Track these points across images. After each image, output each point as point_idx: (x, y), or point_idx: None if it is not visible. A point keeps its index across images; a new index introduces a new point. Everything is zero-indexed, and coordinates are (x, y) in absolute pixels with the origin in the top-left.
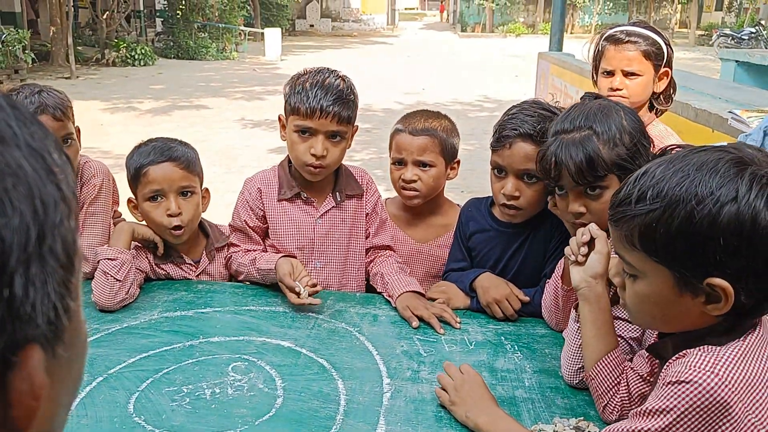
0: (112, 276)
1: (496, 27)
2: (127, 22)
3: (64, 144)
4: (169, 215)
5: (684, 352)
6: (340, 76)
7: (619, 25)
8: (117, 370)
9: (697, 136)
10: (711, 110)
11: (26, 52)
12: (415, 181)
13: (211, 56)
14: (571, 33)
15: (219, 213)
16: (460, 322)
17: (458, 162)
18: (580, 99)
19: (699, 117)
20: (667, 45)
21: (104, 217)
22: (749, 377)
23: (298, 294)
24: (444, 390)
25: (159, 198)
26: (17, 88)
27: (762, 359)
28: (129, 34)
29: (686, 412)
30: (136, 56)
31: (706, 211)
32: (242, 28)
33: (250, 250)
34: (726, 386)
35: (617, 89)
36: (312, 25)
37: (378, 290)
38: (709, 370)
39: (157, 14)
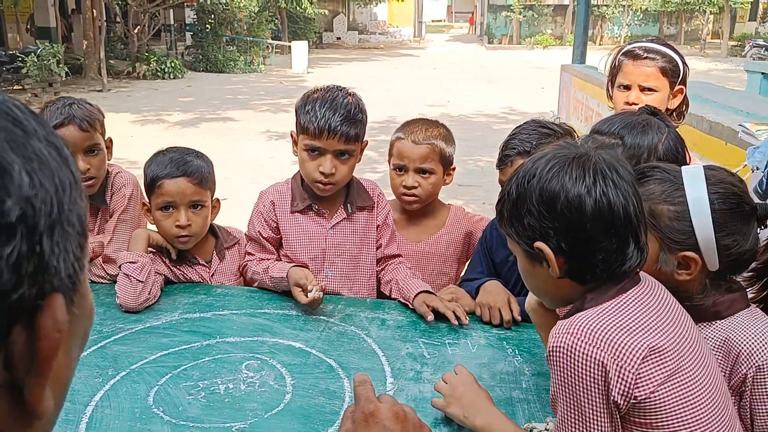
0: (134, 278)
1: (523, 39)
2: (158, 36)
3: (90, 153)
4: (178, 226)
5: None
6: (349, 94)
7: (638, 41)
8: (139, 366)
9: (710, 149)
10: (725, 123)
11: (60, 65)
12: (415, 188)
13: (238, 69)
14: (600, 44)
15: (243, 223)
16: (468, 323)
17: (453, 168)
18: (638, 109)
19: (713, 130)
20: (683, 63)
21: (133, 225)
22: (606, 328)
23: (306, 293)
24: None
25: (170, 209)
26: (53, 100)
27: (626, 312)
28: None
29: (566, 380)
30: (166, 69)
31: (519, 188)
32: (269, 41)
33: (264, 259)
34: (582, 339)
35: (633, 103)
36: (339, 38)
37: (392, 296)
38: (564, 332)
39: (187, 28)
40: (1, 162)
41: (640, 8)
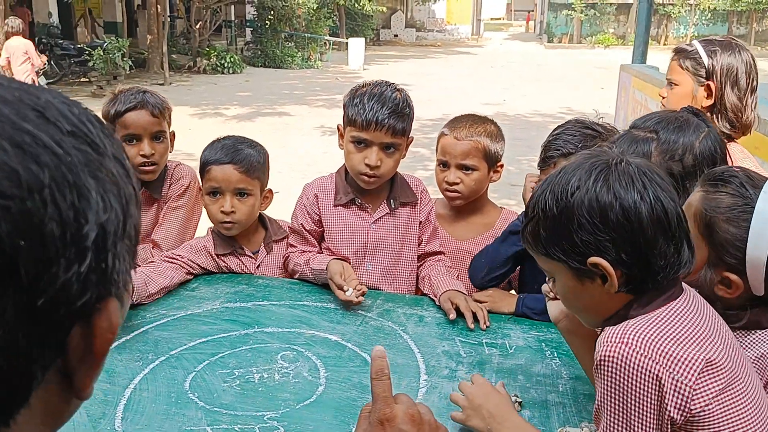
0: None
1: (584, 38)
2: (219, 32)
3: (156, 140)
4: (222, 212)
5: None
6: (397, 89)
7: (698, 39)
8: (178, 352)
9: None
10: None
11: (125, 59)
12: (457, 184)
13: (296, 65)
14: (664, 44)
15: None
16: (488, 326)
17: (501, 165)
18: (680, 109)
19: None
20: (712, 59)
21: (185, 213)
22: (661, 338)
23: (344, 291)
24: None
25: (217, 195)
26: (127, 87)
27: (679, 322)
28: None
29: (617, 391)
30: (226, 64)
31: (562, 203)
32: (327, 37)
33: (306, 251)
34: (637, 350)
35: (663, 98)
36: (396, 35)
37: (425, 292)
38: (618, 341)
39: (248, 24)
40: (80, 188)
41: (708, 7)
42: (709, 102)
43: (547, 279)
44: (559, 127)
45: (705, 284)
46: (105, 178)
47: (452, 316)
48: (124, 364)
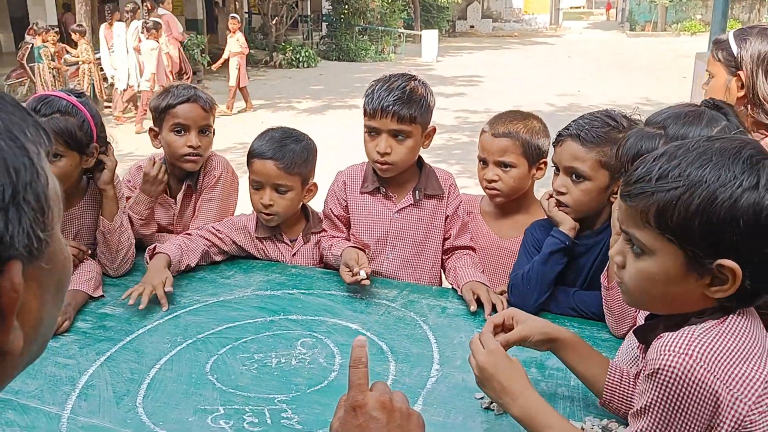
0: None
1: (669, 25)
2: (296, 27)
3: (201, 133)
4: (262, 203)
5: (662, 335)
6: (411, 79)
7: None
8: (204, 336)
9: None
10: None
11: (203, 55)
12: (496, 181)
13: (369, 58)
14: None
15: None
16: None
17: (545, 162)
18: (701, 102)
19: None
20: (741, 48)
21: (219, 205)
22: (726, 354)
23: (353, 274)
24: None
25: (258, 187)
26: (178, 83)
27: (743, 338)
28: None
29: (670, 402)
30: (300, 58)
31: (728, 194)
32: (400, 30)
33: (334, 236)
34: (701, 365)
35: (705, 90)
36: (472, 26)
37: (449, 283)
38: (682, 352)
39: (323, 18)
40: None
41: None
42: (742, 93)
43: (612, 249)
44: (588, 113)
45: None
46: None
47: (473, 307)
48: (153, 346)
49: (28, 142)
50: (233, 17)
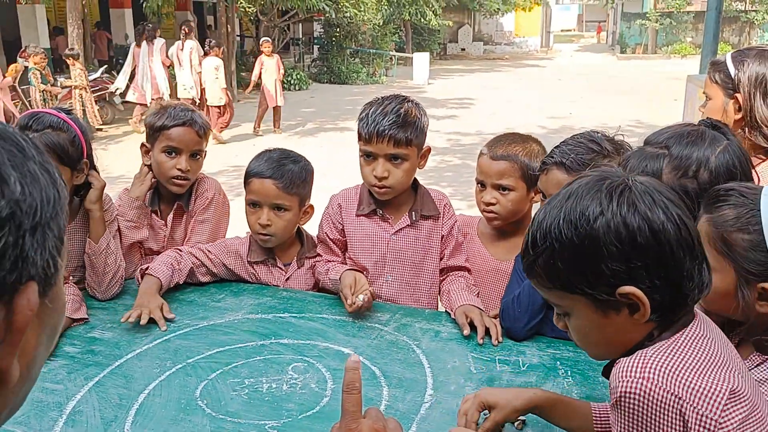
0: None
1: (659, 48)
2: (287, 50)
3: (192, 157)
4: (259, 224)
5: (618, 360)
6: (405, 101)
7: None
8: (194, 360)
9: None
10: None
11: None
12: (494, 204)
13: (361, 80)
14: None
15: None
16: (501, 342)
17: None
18: (698, 122)
19: None
20: (738, 70)
21: (212, 227)
22: (682, 371)
23: (350, 303)
24: None
25: (256, 207)
26: (173, 104)
27: (696, 352)
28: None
29: (639, 426)
30: (292, 81)
31: (583, 232)
32: (392, 53)
33: (329, 261)
34: (658, 386)
35: (702, 113)
36: (463, 49)
37: (444, 306)
38: (639, 376)
39: (315, 41)
40: (1, 173)
41: None
42: (740, 115)
43: (555, 317)
44: (570, 137)
45: (747, 308)
46: (26, 174)
47: (466, 332)
48: (142, 371)
49: (58, 179)
50: (266, 40)
